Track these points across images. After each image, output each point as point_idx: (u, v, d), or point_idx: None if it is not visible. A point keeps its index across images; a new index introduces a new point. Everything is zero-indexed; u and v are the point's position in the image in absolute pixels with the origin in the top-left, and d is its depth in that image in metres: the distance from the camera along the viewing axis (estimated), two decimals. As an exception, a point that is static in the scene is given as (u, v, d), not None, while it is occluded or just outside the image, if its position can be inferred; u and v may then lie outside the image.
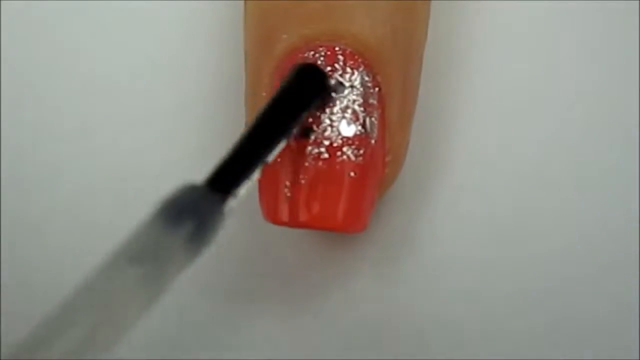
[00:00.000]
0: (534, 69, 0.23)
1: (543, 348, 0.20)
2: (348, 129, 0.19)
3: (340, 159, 0.19)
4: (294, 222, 0.19)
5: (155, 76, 0.24)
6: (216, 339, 0.21)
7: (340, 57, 0.19)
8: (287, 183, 0.19)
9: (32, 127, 0.24)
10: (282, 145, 0.18)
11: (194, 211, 0.15)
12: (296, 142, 0.19)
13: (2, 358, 0.14)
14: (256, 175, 0.17)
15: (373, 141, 0.19)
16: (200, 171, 0.21)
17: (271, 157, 0.17)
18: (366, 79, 0.19)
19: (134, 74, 0.24)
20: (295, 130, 0.18)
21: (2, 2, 0.24)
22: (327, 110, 0.19)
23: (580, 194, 0.22)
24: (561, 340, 0.20)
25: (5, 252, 0.22)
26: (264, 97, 0.20)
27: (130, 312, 0.15)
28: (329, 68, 0.19)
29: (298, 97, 0.18)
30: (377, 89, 0.19)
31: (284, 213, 0.19)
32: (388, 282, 0.21)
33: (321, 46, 0.19)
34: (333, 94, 0.19)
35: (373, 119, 0.19)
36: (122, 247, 0.15)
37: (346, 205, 0.19)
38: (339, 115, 0.19)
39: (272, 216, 0.19)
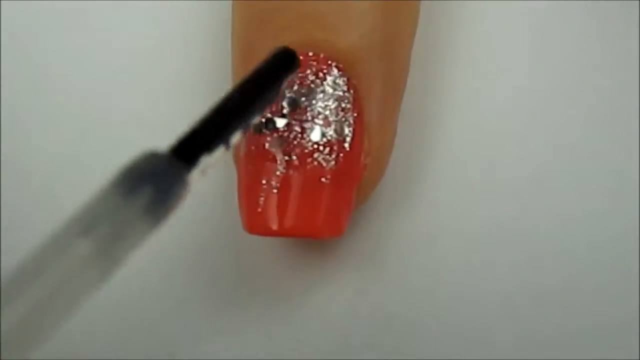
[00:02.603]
0: (531, 68, 0.23)
1: (542, 349, 0.20)
2: (318, 135, 0.19)
3: (310, 165, 0.19)
4: (269, 232, 0.19)
5: (155, 77, 0.24)
6: (197, 343, 0.21)
7: (313, 63, 0.19)
8: (262, 193, 0.19)
9: (31, 127, 0.23)
10: (250, 119, 0.17)
11: (153, 179, 0.14)
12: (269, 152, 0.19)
13: None
14: (224, 147, 0.16)
15: (347, 145, 0.19)
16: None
17: (238, 130, 0.16)
18: (339, 83, 0.19)
19: (135, 74, 0.24)
20: (263, 109, 0.17)
21: (1, 1, 0.24)
22: (297, 116, 0.19)
23: (580, 195, 0.22)
24: (560, 341, 0.20)
25: (4, 251, 0.22)
26: None
27: (80, 289, 0.14)
28: (300, 74, 0.19)
29: (265, 73, 0.17)
30: (352, 92, 0.19)
31: (259, 223, 0.19)
32: (371, 287, 0.21)
33: None
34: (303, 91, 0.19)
35: (347, 123, 0.19)
36: (74, 216, 0.14)
37: (320, 211, 0.19)
38: (310, 121, 0.19)
39: (249, 226, 0.19)
